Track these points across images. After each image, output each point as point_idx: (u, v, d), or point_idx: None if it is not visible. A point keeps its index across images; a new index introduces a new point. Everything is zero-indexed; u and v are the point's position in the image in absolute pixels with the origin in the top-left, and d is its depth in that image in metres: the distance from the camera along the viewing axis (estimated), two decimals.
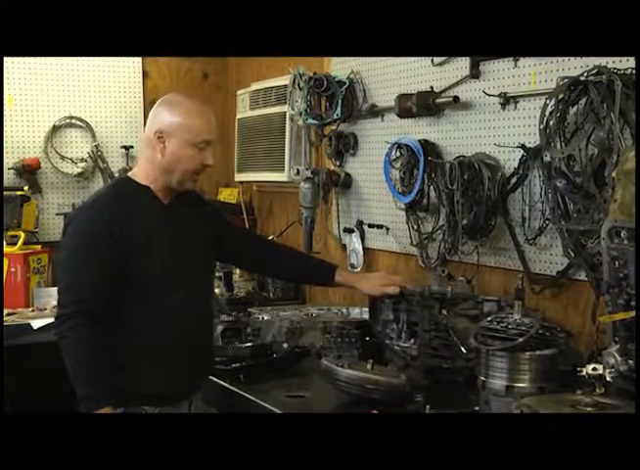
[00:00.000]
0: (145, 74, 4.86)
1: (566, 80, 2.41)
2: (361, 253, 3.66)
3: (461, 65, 3.00)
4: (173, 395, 2.45)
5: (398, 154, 3.19)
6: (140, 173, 2.49)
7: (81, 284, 2.35)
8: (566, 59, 2.55)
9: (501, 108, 2.82)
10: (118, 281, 2.35)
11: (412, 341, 2.63)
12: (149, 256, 2.40)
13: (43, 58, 4.51)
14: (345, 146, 3.71)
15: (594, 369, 1.99)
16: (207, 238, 2.61)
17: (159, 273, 2.41)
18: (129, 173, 2.57)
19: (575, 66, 2.51)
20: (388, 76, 3.43)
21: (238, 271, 4.18)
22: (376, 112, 3.52)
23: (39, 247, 4.34)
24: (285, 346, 2.97)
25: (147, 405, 2.39)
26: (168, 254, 2.45)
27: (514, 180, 2.77)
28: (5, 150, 4.42)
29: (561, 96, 2.41)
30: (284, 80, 4.02)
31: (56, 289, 3.93)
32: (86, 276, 2.36)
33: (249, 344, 2.94)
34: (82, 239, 2.39)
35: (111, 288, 2.35)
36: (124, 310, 2.37)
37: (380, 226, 3.52)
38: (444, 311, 2.60)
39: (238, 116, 4.58)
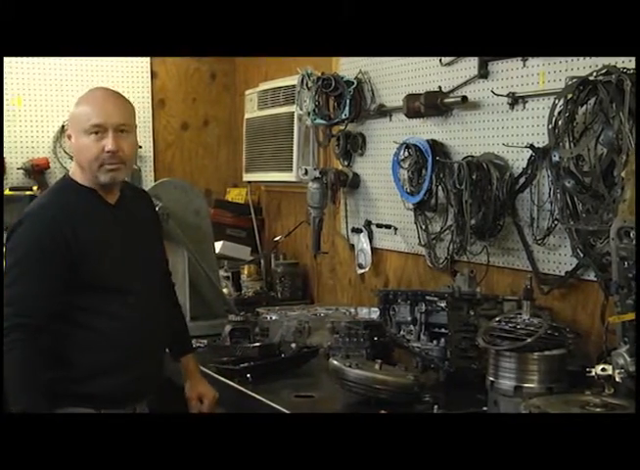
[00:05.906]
0: (153, 75, 4.86)
1: (574, 80, 2.40)
2: (369, 253, 3.65)
3: (469, 65, 2.99)
4: (120, 397, 2.37)
5: (406, 154, 3.19)
6: (78, 174, 2.39)
7: (27, 298, 2.23)
8: (575, 59, 2.54)
9: (510, 108, 2.81)
10: (70, 286, 2.28)
11: (435, 342, 2.63)
12: (102, 259, 2.33)
13: (52, 58, 4.51)
14: (354, 146, 3.71)
15: (603, 370, 1.98)
16: (156, 238, 2.59)
17: (112, 276, 2.34)
18: (70, 173, 2.45)
19: (584, 65, 2.51)
20: (396, 76, 3.43)
21: (246, 271, 4.19)
22: (384, 112, 3.51)
23: None
24: (293, 346, 2.97)
25: (89, 408, 2.29)
26: (120, 255, 2.37)
27: (522, 180, 2.77)
28: (14, 150, 4.44)
29: (570, 96, 2.40)
30: (292, 80, 4.01)
31: None
32: (32, 289, 2.24)
33: (257, 344, 2.95)
34: (29, 249, 2.27)
35: (59, 299, 2.27)
36: (77, 312, 2.30)
37: (388, 226, 3.52)
38: (471, 312, 2.60)
39: (246, 116, 4.59)
